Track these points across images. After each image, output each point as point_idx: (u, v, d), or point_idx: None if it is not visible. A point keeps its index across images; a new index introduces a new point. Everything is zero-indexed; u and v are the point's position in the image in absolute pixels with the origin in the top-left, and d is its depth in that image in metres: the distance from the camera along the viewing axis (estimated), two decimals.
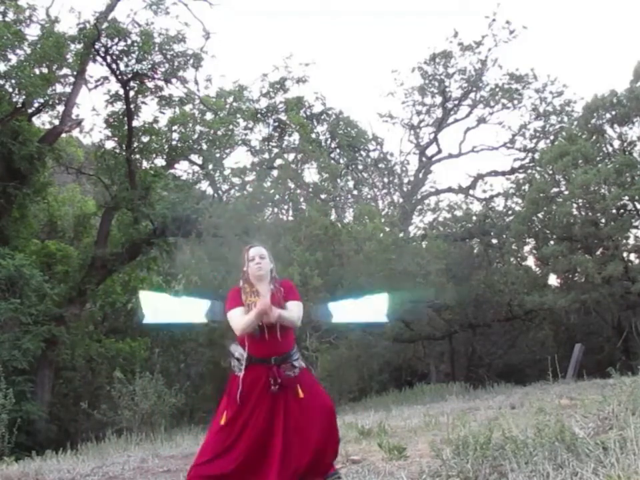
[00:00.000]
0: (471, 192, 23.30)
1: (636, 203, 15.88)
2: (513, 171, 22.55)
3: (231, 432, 3.36)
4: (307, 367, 3.61)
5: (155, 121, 15.72)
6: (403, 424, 6.50)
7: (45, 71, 14.28)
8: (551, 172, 16.76)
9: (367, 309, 4.18)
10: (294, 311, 3.49)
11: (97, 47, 14.03)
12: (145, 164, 16.35)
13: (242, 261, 3.62)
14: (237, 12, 46.01)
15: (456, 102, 23.17)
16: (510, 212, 20.86)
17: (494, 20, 21.65)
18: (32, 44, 13.83)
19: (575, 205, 16.42)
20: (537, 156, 20.22)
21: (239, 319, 3.43)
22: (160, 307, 4.05)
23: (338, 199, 17.67)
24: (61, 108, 15.02)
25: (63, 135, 15.88)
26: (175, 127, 16.21)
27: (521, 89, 22.24)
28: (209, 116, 16.46)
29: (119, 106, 15.19)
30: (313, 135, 17.69)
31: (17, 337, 12.17)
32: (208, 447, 3.42)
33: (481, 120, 23.07)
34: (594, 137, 16.49)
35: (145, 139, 15.91)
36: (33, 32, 14.78)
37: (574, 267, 15.71)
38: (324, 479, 3.52)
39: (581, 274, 15.95)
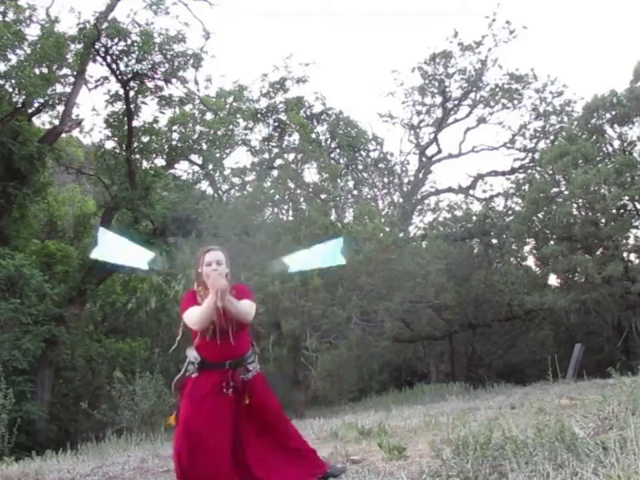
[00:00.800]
0: (471, 192, 23.31)
1: (636, 203, 15.87)
2: (513, 171, 22.55)
3: (193, 435, 3.29)
4: (261, 372, 3.57)
5: (155, 120, 15.72)
6: (403, 424, 6.48)
7: (45, 71, 14.25)
8: (550, 172, 16.75)
9: (323, 253, 4.16)
10: (245, 305, 3.43)
11: (97, 47, 14.02)
12: (145, 164, 16.33)
13: (198, 263, 3.57)
14: (237, 12, 46.04)
15: (456, 102, 23.17)
16: (510, 212, 20.86)
17: (494, 20, 21.69)
18: (32, 44, 13.81)
19: (575, 205, 16.41)
20: (537, 156, 20.21)
21: (195, 313, 3.36)
22: (112, 247, 4.01)
23: (338, 199, 17.66)
24: (61, 108, 15.01)
25: (63, 135, 15.86)
26: (175, 127, 16.19)
27: (521, 89, 22.24)
28: (209, 116, 16.46)
29: (119, 106, 15.18)
30: (313, 135, 17.72)
31: (17, 337, 12.16)
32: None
33: (481, 120, 23.07)
34: (594, 137, 16.48)
35: (145, 139, 15.88)
36: (33, 32, 14.79)
37: (574, 267, 15.71)
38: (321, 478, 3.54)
39: (581, 274, 15.94)
